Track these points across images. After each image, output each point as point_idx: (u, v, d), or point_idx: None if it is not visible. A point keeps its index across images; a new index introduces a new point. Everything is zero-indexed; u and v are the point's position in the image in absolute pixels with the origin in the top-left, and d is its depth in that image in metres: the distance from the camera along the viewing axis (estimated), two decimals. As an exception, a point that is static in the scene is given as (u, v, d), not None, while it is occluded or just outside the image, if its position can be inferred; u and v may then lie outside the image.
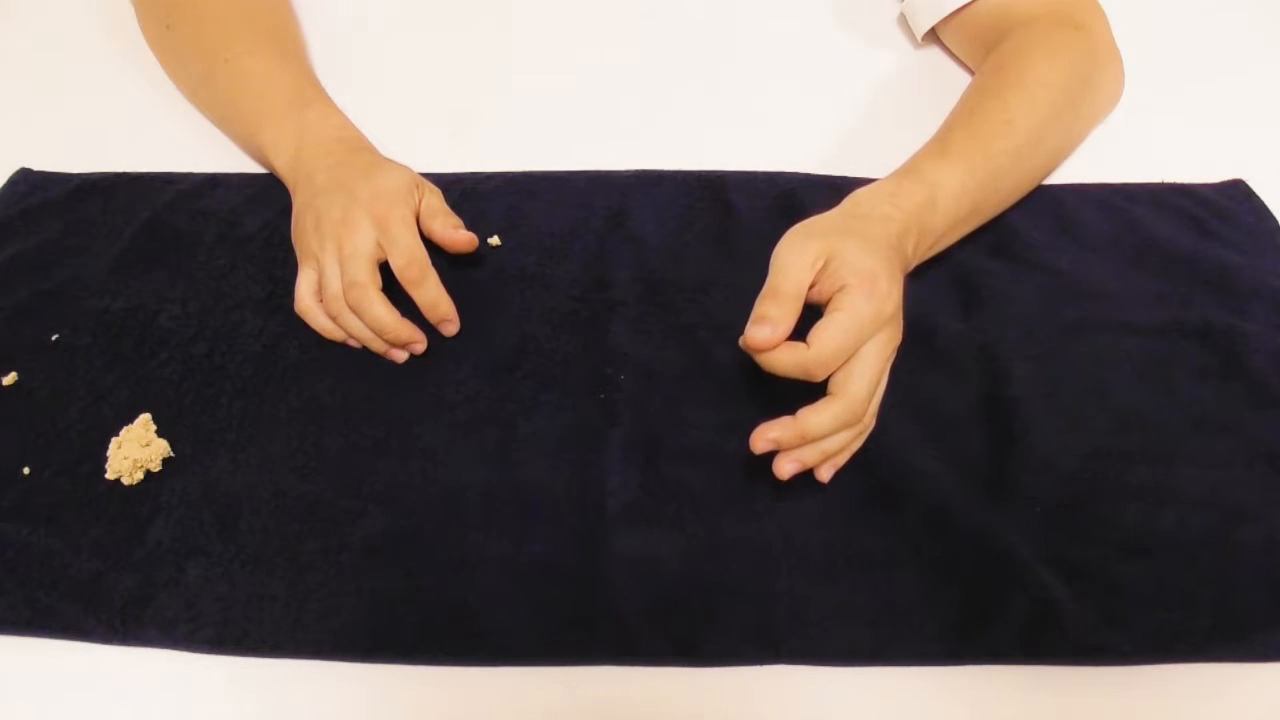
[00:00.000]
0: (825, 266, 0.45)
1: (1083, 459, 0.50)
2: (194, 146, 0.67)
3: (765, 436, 0.44)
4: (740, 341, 0.45)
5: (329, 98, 0.63)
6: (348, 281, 0.53)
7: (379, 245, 0.53)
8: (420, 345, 0.54)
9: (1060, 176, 0.65)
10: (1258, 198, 0.63)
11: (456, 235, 0.56)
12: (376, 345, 0.54)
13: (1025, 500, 0.48)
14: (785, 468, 0.45)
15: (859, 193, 0.52)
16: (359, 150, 0.59)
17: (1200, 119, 0.70)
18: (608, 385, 0.53)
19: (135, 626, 0.44)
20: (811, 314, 0.45)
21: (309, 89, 0.63)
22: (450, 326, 0.55)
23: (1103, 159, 0.66)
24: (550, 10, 0.78)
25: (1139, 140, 0.67)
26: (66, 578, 0.46)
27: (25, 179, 0.64)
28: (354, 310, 0.53)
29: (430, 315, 0.54)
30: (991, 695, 0.43)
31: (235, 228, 0.61)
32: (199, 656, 0.44)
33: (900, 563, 0.46)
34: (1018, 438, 0.50)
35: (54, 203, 0.63)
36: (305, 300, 0.55)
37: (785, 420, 0.44)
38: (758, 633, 0.44)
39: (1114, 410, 0.52)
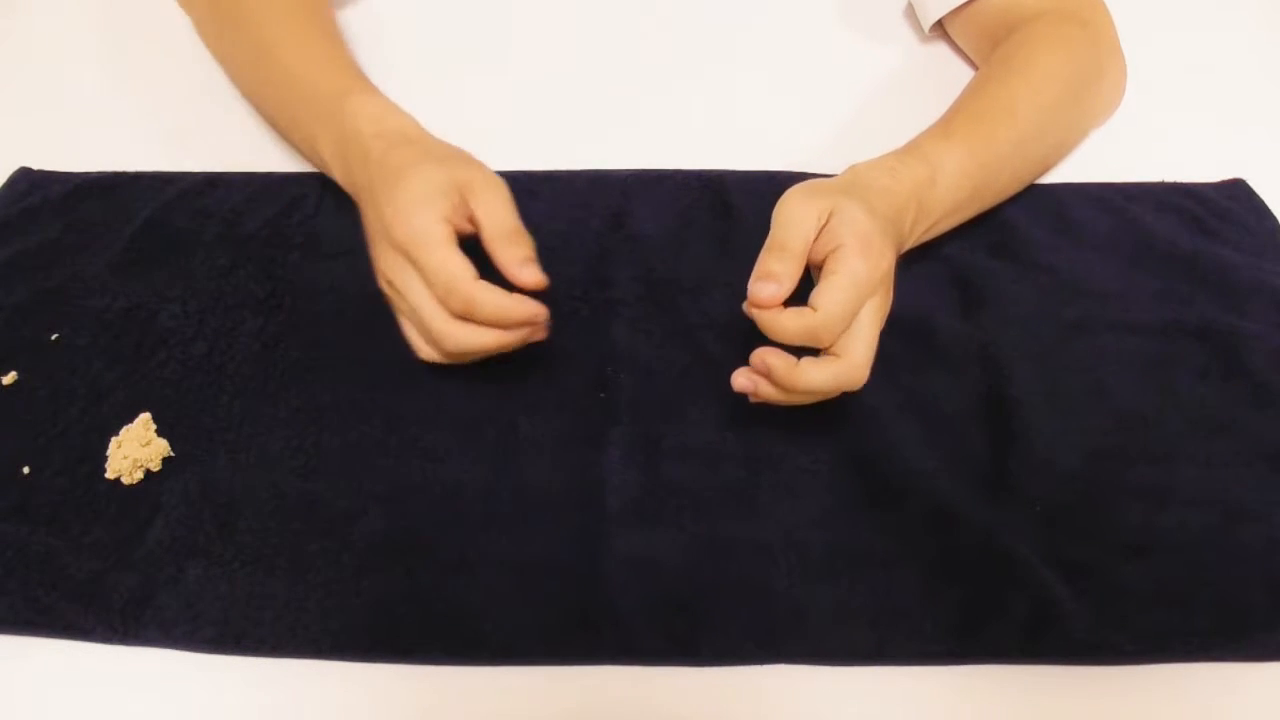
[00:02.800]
0: (826, 223, 0.45)
1: (1083, 459, 0.50)
2: (194, 146, 0.67)
3: (765, 359, 0.44)
4: (745, 306, 0.44)
5: (366, 84, 0.56)
6: (426, 335, 0.48)
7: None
8: (540, 321, 0.48)
9: (1061, 175, 0.65)
10: (1258, 197, 0.63)
11: (522, 276, 0.47)
12: (510, 340, 0.48)
13: (1025, 500, 0.48)
14: (742, 381, 0.45)
15: (859, 165, 0.52)
16: (391, 148, 0.51)
17: (1200, 119, 0.70)
18: (608, 384, 0.53)
19: (135, 626, 0.44)
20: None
21: (344, 78, 0.57)
22: (537, 332, 0.48)
23: (1103, 158, 0.66)
24: (550, 9, 0.78)
25: (1139, 140, 0.67)
26: (66, 578, 0.46)
27: (25, 179, 0.64)
28: (452, 351, 0.48)
29: (523, 329, 0.48)
30: (991, 695, 0.43)
31: (235, 228, 0.61)
32: (199, 656, 0.44)
33: (900, 562, 0.46)
34: (1018, 437, 0.50)
35: (54, 203, 0.63)
36: (424, 352, 0.50)
37: (788, 362, 0.43)
38: (758, 633, 0.44)
39: (1114, 410, 0.52)
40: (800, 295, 0.45)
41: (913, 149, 0.54)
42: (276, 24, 0.60)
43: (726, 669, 0.44)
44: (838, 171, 0.63)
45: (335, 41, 0.61)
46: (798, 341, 0.44)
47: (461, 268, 0.46)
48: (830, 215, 0.45)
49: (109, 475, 0.49)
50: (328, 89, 0.56)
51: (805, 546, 0.47)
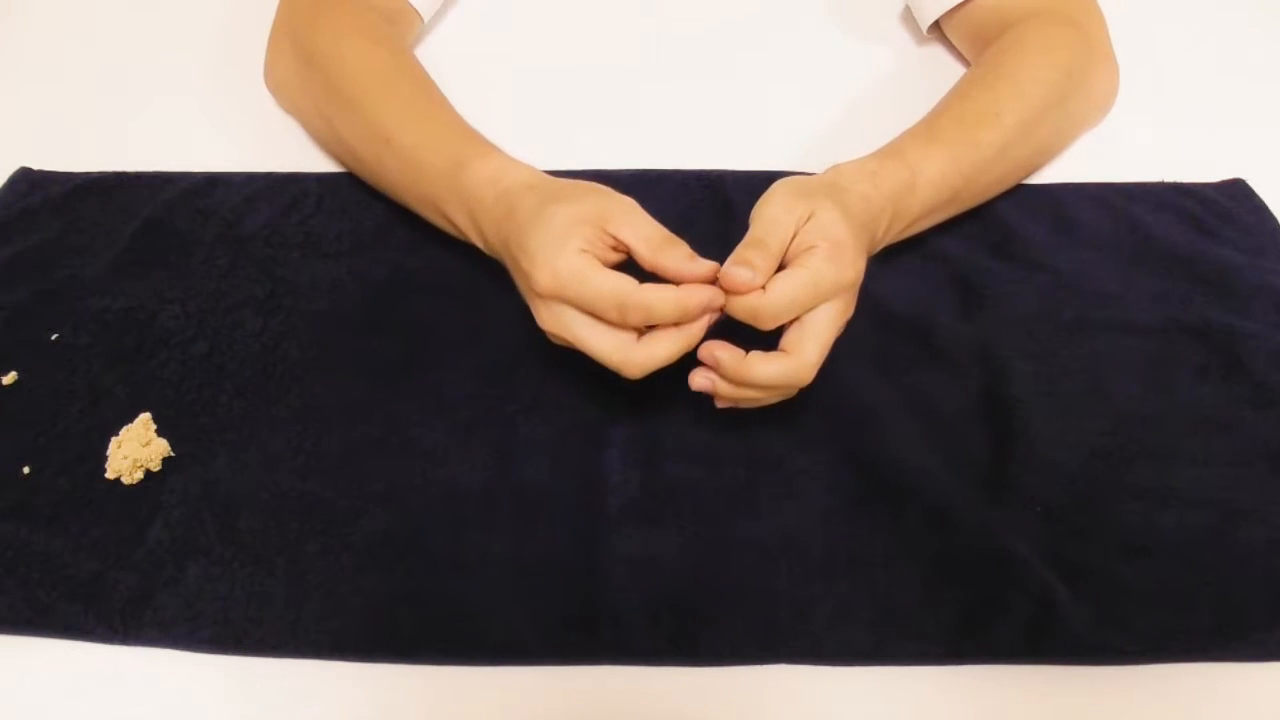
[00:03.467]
0: (803, 225, 0.46)
1: (1083, 459, 0.50)
2: (194, 146, 0.67)
3: (712, 352, 0.45)
4: (718, 275, 0.45)
5: (480, 146, 0.54)
6: (609, 365, 0.45)
7: (582, 311, 0.45)
8: (719, 303, 0.45)
9: (1060, 175, 0.65)
10: (1258, 197, 0.63)
11: (697, 270, 0.44)
12: (694, 335, 0.45)
13: (1025, 500, 0.48)
14: (698, 380, 0.46)
15: (841, 166, 0.52)
16: (514, 205, 0.49)
17: (1200, 119, 0.70)
18: (608, 384, 0.53)
19: (135, 626, 0.44)
20: None
21: (457, 148, 0.54)
22: (719, 299, 0.45)
23: (1102, 158, 0.66)
24: (549, 9, 0.78)
25: (1139, 140, 0.67)
26: (66, 578, 0.46)
27: (25, 179, 0.64)
28: (639, 375, 0.45)
29: (705, 313, 0.45)
30: (991, 695, 0.43)
31: (235, 227, 0.61)
32: (199, 656, 0.44)
33: (900, 562, 0.46)
34: (1018, 437, 0.50)
35: (54, 203, 0.63)
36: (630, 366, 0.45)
37: (736, 355, 0.44)
38: (758, 633, 0.44)
39: (1114, 410, 0.52)
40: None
41: (895, 152, 0.54)
42: (389, 110, 0.57)
43: (726, 669, 0.44)
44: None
45: (442, 109, 0.58)
46: (738, 314, 0.44)
47: (623, 280, 0.44)
48: (809, 218, 0.46)
49: (109, 475, 0.49)
50: (443, 166, 0.54)
51: (805, 546, 0.47)
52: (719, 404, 0.47)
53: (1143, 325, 0.56)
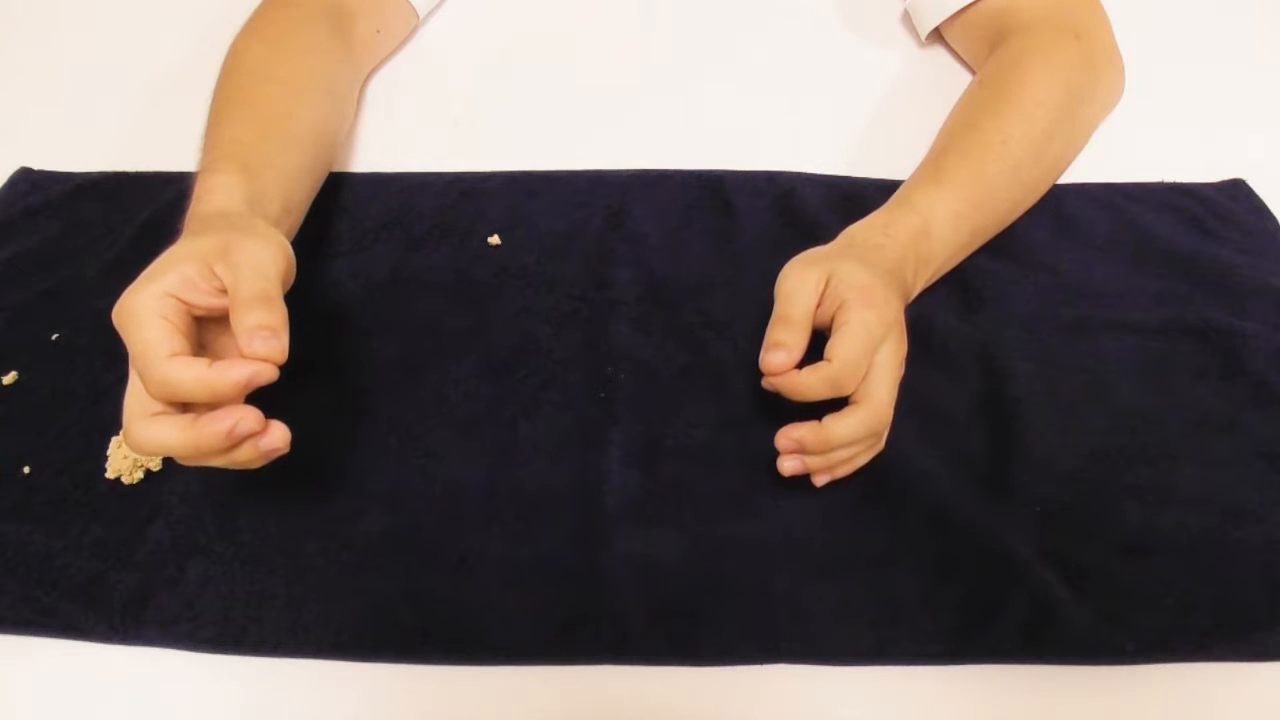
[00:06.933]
0: (825, 288, 0.47)
1: (1083, 459, 0.50)
2: (194, 146, 0.67)
3: (790, 436, 0.45)
4: (763, 383, 0.46)
5: (221, 162, 0.50)
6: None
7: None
8: (260, 380, 0.40)
9: (1060, 176, 0.65)
10: (1258, 197, 0.63)
11: (252, 344, 0.40)
12: (203, 436, 0.39)
13: (1025, 500, 0.48)
14: (787, 465, 0.46)
15: (852, 227, 0.53)
16: (186, 228, 0.46)
17: (1200, 119, 0.70)
18: (608, 384, 0.53)
19: (135, 626, 0.44)
20: (819, 343, 0.46)
21: (211, 154, 0.51)
22: (263, 377, 0.40)
23: (1103, 159, 0.66)
24: (550, 9, 0.78)
25: (1139, 140, 0.67)
26: (66, 578, 0.46)
27: (25, 179, 0.64)
28: (138, 449, 0.41)
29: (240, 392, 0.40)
30: (991, 695, 0.43)
31: (235, 227, 0.61)
32: (199, 656, 0.44)
33: (900, 562, 0.46)
34: (1017, 437, 0.50)
35: (54, 203, 0.63)
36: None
37: (812, 424, 0.45)
38: (758, 633, 0.44)
39: (1114, 410, 0.52)
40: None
41: (904, 201, 0.54)
42: (215, 104, 0.56)
43: (726, 669, 0.44)
44: (836, 170, 0.64)
45: (239, 119, 0.54)
46: (821, 393, 0.45)
47: (160, 344, 0.39)
48: (829, 280, 0.47)
49: (109, 475, 0.49)
50: (200, 166, 0.51)
51: (805, 546, 0.47)
52: (818, 482, 0.47)
53: (1143, 325, 0.56)
